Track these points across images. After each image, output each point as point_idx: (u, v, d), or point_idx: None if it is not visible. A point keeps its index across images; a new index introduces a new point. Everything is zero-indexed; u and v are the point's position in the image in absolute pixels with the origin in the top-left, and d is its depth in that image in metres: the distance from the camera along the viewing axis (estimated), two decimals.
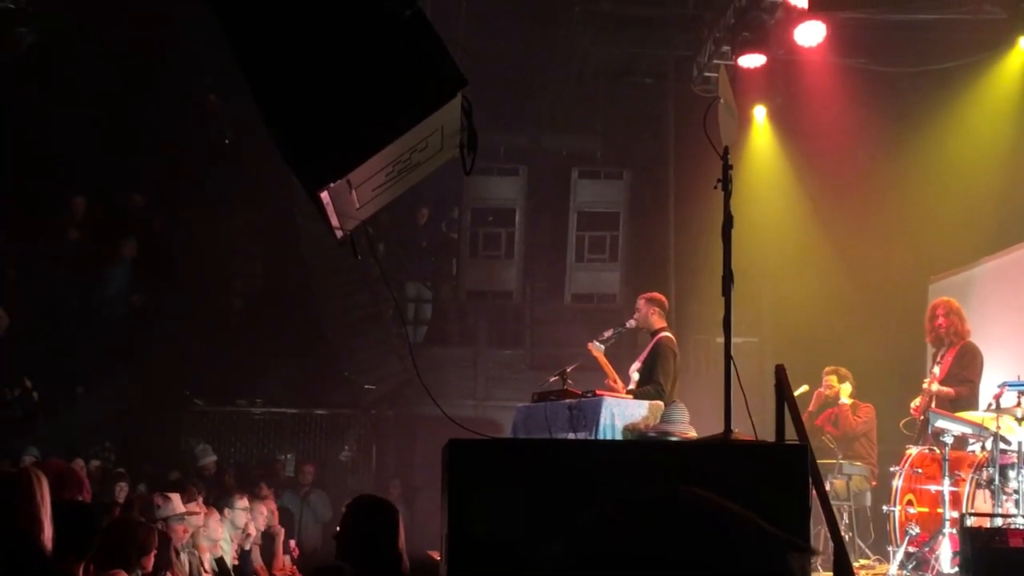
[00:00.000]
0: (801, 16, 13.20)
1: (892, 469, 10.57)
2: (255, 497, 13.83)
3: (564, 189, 19.21)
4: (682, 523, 1.93)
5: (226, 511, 12.13)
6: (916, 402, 10.96)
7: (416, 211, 19.63)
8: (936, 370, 10.83)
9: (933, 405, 10.52)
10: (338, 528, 6.40)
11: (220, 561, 11.17)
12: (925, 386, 10.80)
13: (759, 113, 16.24)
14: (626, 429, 9.89)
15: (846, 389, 12.58)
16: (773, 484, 5.81)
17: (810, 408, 12.53)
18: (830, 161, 15.77)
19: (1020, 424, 9.40)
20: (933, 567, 9.56)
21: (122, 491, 13.03)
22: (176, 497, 9.29)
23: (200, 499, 11.32)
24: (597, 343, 10.97)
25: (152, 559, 7.11)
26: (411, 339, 19.21)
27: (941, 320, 11.10)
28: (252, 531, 12.70)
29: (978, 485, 9.56)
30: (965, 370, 10.84)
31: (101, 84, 17.62)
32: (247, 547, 12.63)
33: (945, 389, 10.66)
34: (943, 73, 14.76)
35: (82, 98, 17.44)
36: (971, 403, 10.54)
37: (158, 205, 18.94)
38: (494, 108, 16.55)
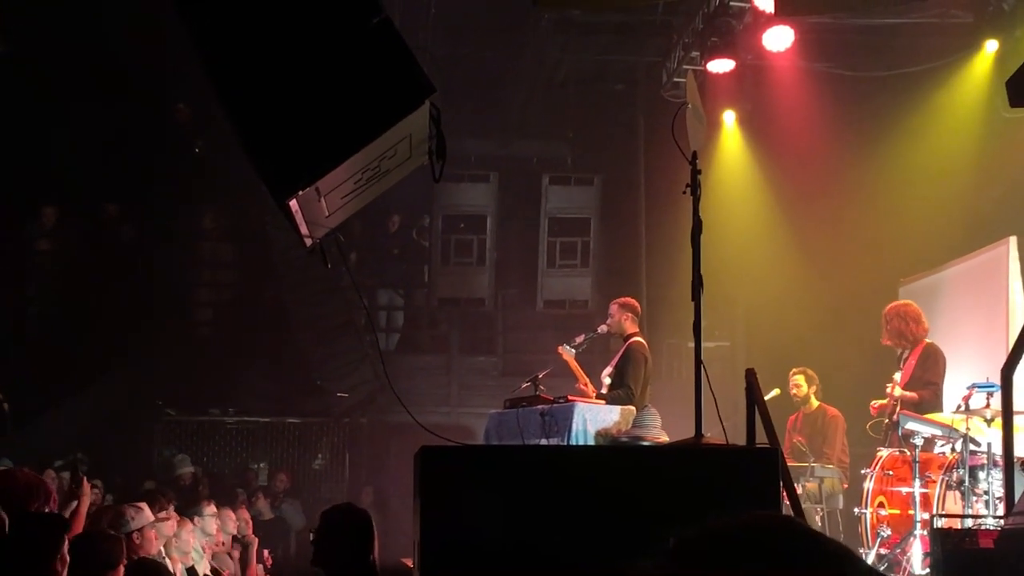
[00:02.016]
0: (769, 21, 13.24)
1: (863, 471, 10.61)
2: (228, 505, 13.79)
3: (535, 195, 19.25)
4: (776, 547, 1.93)
5: (196, 519, 12.08)
6: (875, 402, 11.03)
7: (387, 218, 19.62)
8: (897, 376, 10.88)
9: (899, 408, 10.57)
10: (311, 536, 6.43)
11: (191, 571, 11.13)
12: (888, 391, 10.85)
13: (728, 118, 16.28)
14: (598, 434, 9.92)
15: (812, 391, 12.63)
16: (744, 488, 5.83)
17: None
18: (800, 165, 15.83)
19: (989, 425, 9.45)
20: (905, 569, 9.60)
21: (97, 498, 12.99)
22: (146, 507, 9.25)
23: (171, 507, 11.26)
24: (567, 347, 11.01)
25: (121, 571, 7.07)
26: (384, 346, 19.18)
27: (889, 326, 11.20)
28: (220, 538, 12.65)
29: (948, 486, 9.61)
30: (927, 372, 10.90)
31: (72, 93, 17.57)
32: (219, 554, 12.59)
33: (908, 394, 10.71)
34: (911, 77, 14.84)
35: (53, 108, 17.37)
36: (935, 405, 10.61)
37: (129, 215, 18.88)
38: (464, 114, 16.57)
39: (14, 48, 18.02)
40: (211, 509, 12.47)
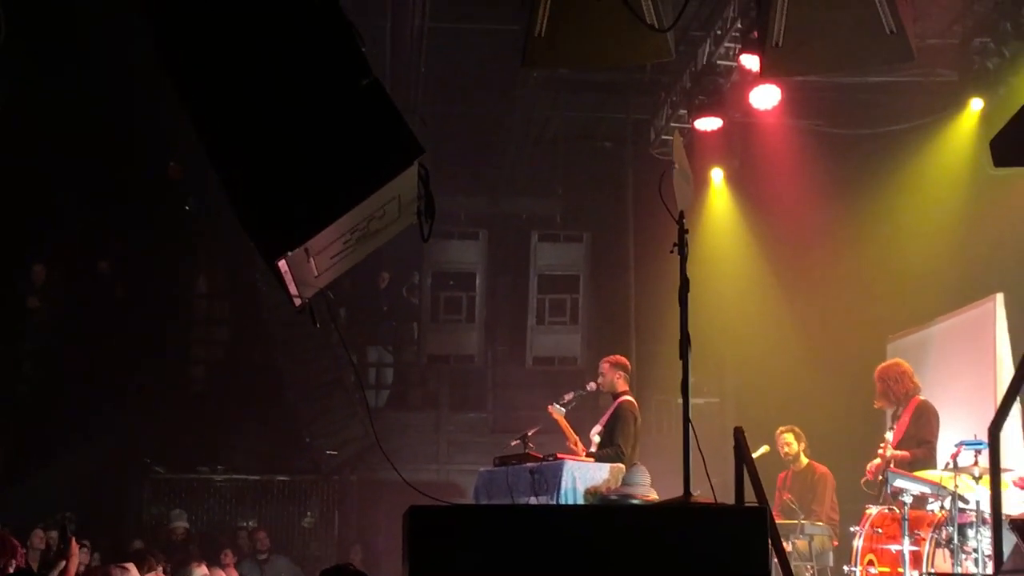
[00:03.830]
0: (756, 79, 13.33)
1: (852, 529, 10.58)
2: (216, 565, 13.74)
3: (524, 252, 19.28)
4: None
5: None
6: (871, 464, 11.01)
7: (377, 275, 19.64)
8: (889, 435, 10.88)
9: (892, 466, 10.55)
10: None
11: None
12: (880, 451, 10.83)
13: (716, 175, 16.37)
14: (588, 492, 9.90)
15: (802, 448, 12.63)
16: (733, 546, 5.83)
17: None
18: (787, 222, 15.90)
19: (978, 483, 9.45)
20: None
21: (86, 558, 12.93)
22: (133, 567, 9.22)
23: (160, 569, 11.22)
24: (557, 405, 11.01)
25: None
26: (373, 403, 19.18)
27: (878, 389, 11.24)
28: None
29: (938, 544, 9.59)
30: (922, 431, 10.90)
31: (62, 150, 17.60)
32: None
33: (900, 453, 10.69)
34: (897, 134, 14.95)
35: (43, 164, 17.40)
36: (929, 463, 10.58)
37: (121, 272, 18.88)
38: (454, 172, 16.65)
39: (4, 104, 18.06)
40: (202, 570, 12.42)
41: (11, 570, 7.84)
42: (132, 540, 15.44)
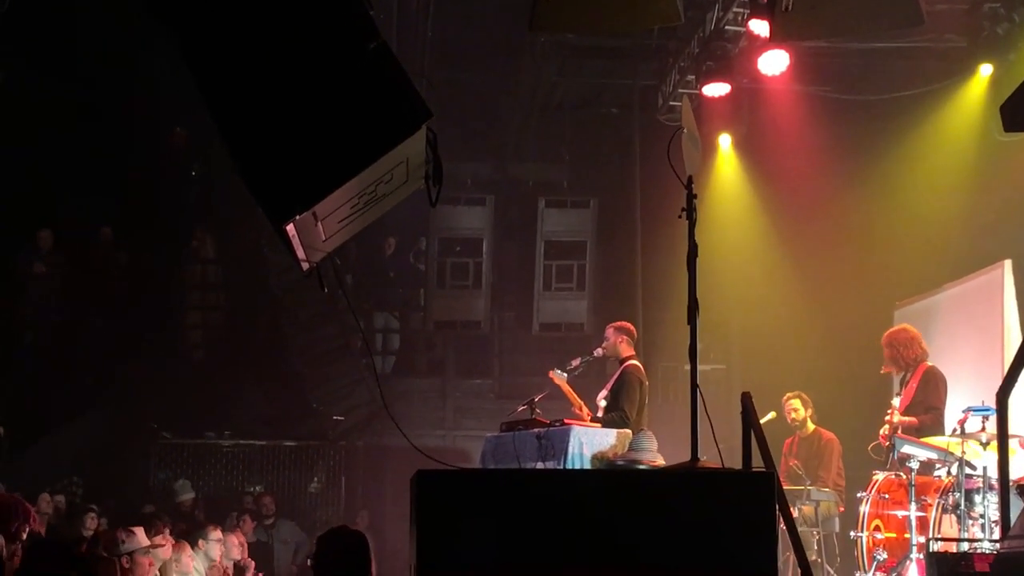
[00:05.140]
0: (764, 45, 13.26)
1: (859, 495, 10.59)
2: (228, 529, 13.78)
3: (531, 218, 19.25)
4: None
5: (200, 543, 12.06)
6: (883, 430, 11.00)
7: (383, 241, 19.62)
8: (896, 401, 10.87)
9: (899, 432, 10.55)
10: (308, 560, 6.44)
11: None
12: (887, 417, 10.82)
13: (724, 141, 16.32)
14: (594, 458, 9.90)
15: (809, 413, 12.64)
16: (740, 511, 5.84)
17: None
18: (795, 188, 15.87)
19: (985, 449, 9.46)
20: None
21: (93, 523, 12.99)
22: (140, 530, 9.24)
23: (167, 531, 11.24)
24: (558, 371, 11.01)
25: None
26: (380, 369, 19.17)
27: (885, 354, 11.23)
28: (224, 563, 12.63)
29: (944, 510, 9.60)
30: (929, 397, 10.89)
31: (67, 117, 17.59)
32: None
33: (907, 419, 10.68)
34: (906, 100, 14.89)
35: (48, 132, 17.38)
36: (936, 430, 10.58)
37: (124, 239, 18.88)
38: (460, 138, 16.60)
39: (10, 71, 18.03)
40: (216, 534, 12.45)
41: (24, 535, 7.88)
42: (139, 506, 15.46)
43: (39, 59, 16.89)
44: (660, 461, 9.46)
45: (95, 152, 17.82)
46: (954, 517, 9.50)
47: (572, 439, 9.87)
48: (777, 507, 6.02)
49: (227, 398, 18.42)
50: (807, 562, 6.66)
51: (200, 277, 19.58)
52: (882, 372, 11.57)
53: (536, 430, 10.19)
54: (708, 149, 15.38)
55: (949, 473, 9.74)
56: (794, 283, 16.09)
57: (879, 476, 10.45)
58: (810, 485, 11.84)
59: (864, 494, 10.45)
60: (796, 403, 12.58)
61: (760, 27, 12.64)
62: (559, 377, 11.01)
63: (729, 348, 18.18)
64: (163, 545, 10.50)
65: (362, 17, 5.61)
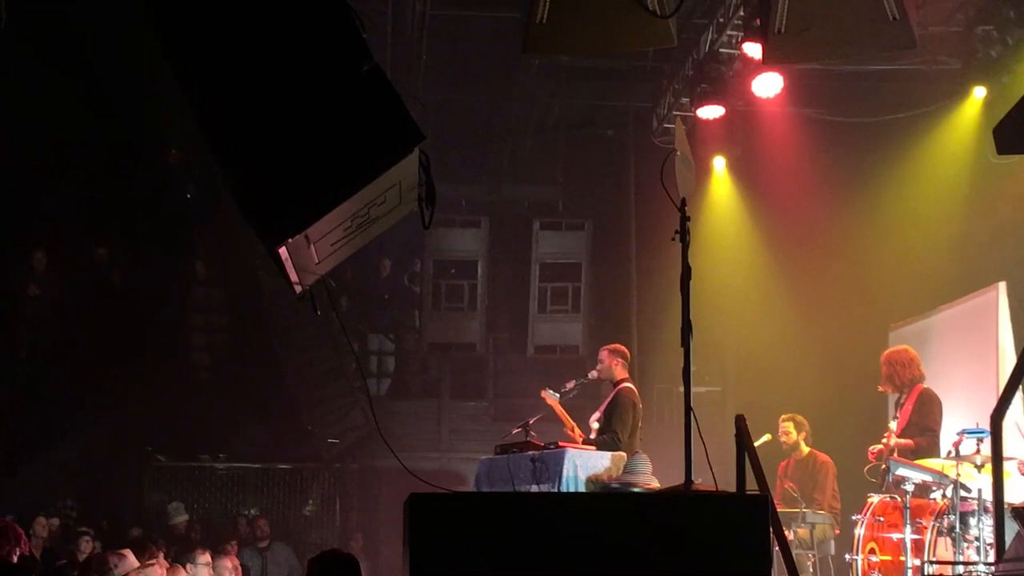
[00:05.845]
0: (758, 68, 13.28)
1: (854, 517, 10.56)
2: (219, 553, 13.74)
3: (526, 240, 19.27)
4: None
5: (188, 567, 12.04)
6: (873, 447, 10.99)
7: (378, 263, 19.63)
8: (893, 425, 10.87)
9: (896, 455, 10.53)
10: None
11: None
12: (884, 440, 10.80)
13: (719, 163, 16.34)
14: (589, 481, 9.88)
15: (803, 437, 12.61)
16: (734, 534, 5.83)
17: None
18: (790, 210, 15.88)
19: (980, 471, 9.43)
20: None
21: (88, 546, 12.98)
22: (129, 553, 9.22)
23: (161, 556, 11.22)
24: (551, 391, 11.00)
25: None
26: (374, 392, 19.18)
27: (882, 373, 11.22)
28: None
29: (939, 533, 9.57)
30: (925, 419, 10.87)
31: (62, 137, 17.57)
32: None
33: (903, 441, 10.67)
34: (900, 123, 14.93)
35: (43, 151, 17.37)
36: (933, 451, 10.54)
37: (119, 259, 18.86)
38: (455, 160, 16.62)
39: (4, 92, 18.03)
40: (205, 558, 12.42)
41: (15, 558, 7.85)
42: (133, 528, 15.43)
43: (33, 77, 16.89)
44: (655, 483, 9.44)
45: (89, 172, 17.80)
46: (949, 540, 9.47)
47: (567, 462, 9.85)
48: (772, 530, 6.01)
49: (222, 421, 18.39)
50: None
51: (202, 299, 19.58)
52: (879, 390, 11.56)
53: (531, 453, 10.17)
54: (702, 171, 15.39)
55: (944, 496, 9.71)
56: (789, 305, 16.08)
57: (874, 498, 10.42)
58: (805, 507, 11.79)
59: (859, 517, 10.42)
60: (789, 426, 12.54)
61: (754, 50, 12.68)
62: (551, 397, 11.00)
63: (724, 370, 18.17)
64: (153, 565, 10.48)
65: (355, 39, 5.61)
